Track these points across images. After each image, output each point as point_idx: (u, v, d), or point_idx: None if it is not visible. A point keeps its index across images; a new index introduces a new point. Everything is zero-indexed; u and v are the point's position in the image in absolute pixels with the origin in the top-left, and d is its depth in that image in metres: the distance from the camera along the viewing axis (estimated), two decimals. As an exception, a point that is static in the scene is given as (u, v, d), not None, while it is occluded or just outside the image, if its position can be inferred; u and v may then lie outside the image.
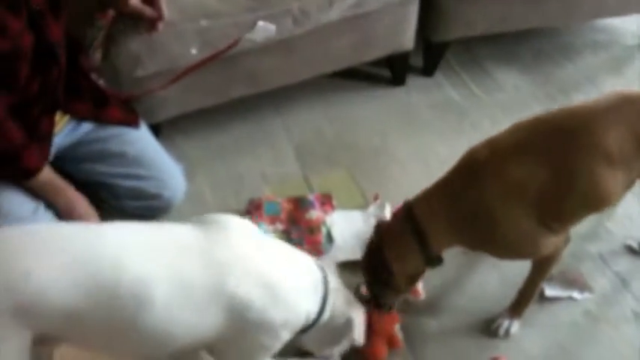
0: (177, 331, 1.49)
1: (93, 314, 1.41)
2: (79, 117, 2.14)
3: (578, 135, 1.81)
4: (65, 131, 2.11)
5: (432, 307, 2.19)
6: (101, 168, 2.20)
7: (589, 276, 2.29)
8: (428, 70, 3.25)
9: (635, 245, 2.39)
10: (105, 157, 2.19)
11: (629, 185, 1.93)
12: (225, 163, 2.74)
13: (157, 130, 2.60)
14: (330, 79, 3.06)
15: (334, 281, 1.79)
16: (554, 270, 2.23)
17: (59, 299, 1.36)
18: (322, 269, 1.76)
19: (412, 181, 2.54)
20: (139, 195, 2.23)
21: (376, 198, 2.51)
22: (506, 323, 2.11)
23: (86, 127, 2.17)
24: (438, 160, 2.45)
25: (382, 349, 2.01)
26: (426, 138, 2.61)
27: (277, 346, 1.66)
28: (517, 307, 2.11)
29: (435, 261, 1.91)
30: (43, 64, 1.91)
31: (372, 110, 3.04)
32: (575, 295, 2.22)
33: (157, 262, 1.47)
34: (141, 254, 1.46)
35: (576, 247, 2.38)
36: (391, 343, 2.03)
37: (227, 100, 2.77)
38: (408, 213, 1.88)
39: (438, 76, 3.23)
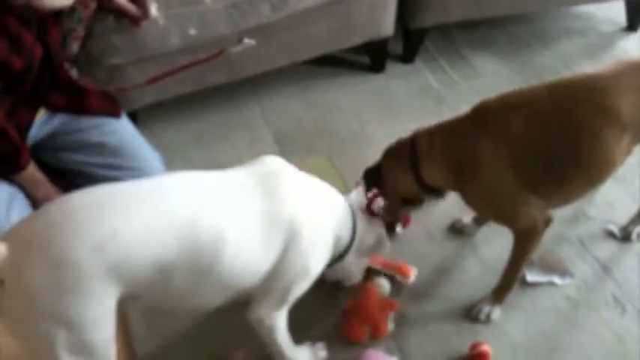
0: (247, 269, 1.60)
1: (177, 264, 1.46)
2: (57, 109, 2.10)
3: (590, 99, 1.83)
4: (39, 122, 2.07)
5: (414, 293, 2.18)
6: (80, 158, 2.17)
7: (570, 261, 2.30)
8: (407, 57, 3.24)
9: (615, 230, 2.40)
10: (84, 147, 2.16)
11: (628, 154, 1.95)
12: (203, 151, 2.71)
13: (133, 117, 2.56)
14: (309, 66, 3.04)
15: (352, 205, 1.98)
16: (535, 256, 2.25)
17: (145, 253, 1.41)
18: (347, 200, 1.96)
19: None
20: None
21: (358, 184, 2.50)
22: (486, 308, 2.11)
23: (61, 116, 2.12)
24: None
25: (360, 332, 2.01)
26: (405, 124, 2.58)
27: (306, 285, 1.76)
28: (498, 293, 2.11)
29: (430, 191, 2.02)
30: (42, 68, 1.91)
31: (351, 97, 3.03)
32: (556, 280, 2.23)
33: (224, 202, 1.58)
34: (210, 198, 1.57)
35: (557, 232, 2.39)
36: (376, 330, 2.03)
37: (204, 88, 2.74)
38: (411, 138, 2.00)
39: (417, 62, 3.23)
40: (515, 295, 2.16)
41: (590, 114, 1.83)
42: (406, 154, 1.99)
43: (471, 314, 2.12)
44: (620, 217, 2.42)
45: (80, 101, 2.13)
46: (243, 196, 1.62)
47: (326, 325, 2.02)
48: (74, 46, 2.30)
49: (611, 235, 2.39)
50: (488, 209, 2.03)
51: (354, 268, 2.04)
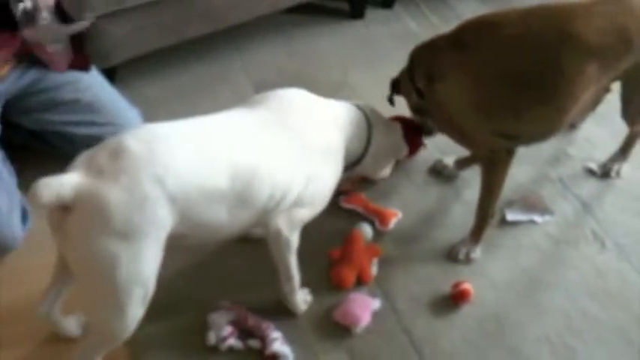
0: (276, 196, 1.75)
1: (228, 190, 1.63)
2: (21, 60, 2.05)
3: (554, 25, 1.89)
4: (10, 79, 2.04)
5: (397, 236, 2.22)
6: (54, 117, 2.15)
7: (550, 200, 2.34)
8: (387, 2, 3.21)
9: (594, 168, 2.42)
10: (57, 105, 2.14)
11: (599, 92, 2.01)
12: (185, 104, 2.70)
13: (112, 73, 2.55)
14: (289, 14, 3.02)
15: (371, 114, 2.14)
16: (516, 195, 2.28)
17: (195, 182, 1.57)
18: (361, 108, 2.12)
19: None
20: (96, 141, 2.17)
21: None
22: (465, 249, 2.15)
23: (33, 74, 2.09)
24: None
25: (350, 278, 2.04)
26: (386, 69, 2.58)
27: (322, 201, 1.94)
28: (475, 232, 2.14)
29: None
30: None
31: (332, 44, 3.01)
32: (536, 218, 2.26)
33: (254, 139, 1.75)
34: (244, 137, 1.74)
35: (537, 172, 2.42)
36: (362, 276, 2.06)
37: (183, 40, 2.72)
38: (413, 49, 2.13)
39: (397, 8, 3.21)
40: (495, 234, 2.20)
41: (551, 40, 1.88)
42: (408, 64, 2.15)
43: (450, 255, 2.16)
44: (600, 155, 2.45)
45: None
46: (267, 132, 1.78)
47: (311, 272, 2.04)
48: None
49: (590, 172, 2.42)
50: (449, 129, 2.11)
51: (376, 168, 2.24)
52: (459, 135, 2.08)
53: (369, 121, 2.10)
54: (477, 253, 2.15)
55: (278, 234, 1.82)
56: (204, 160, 1.62)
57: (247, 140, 1.74)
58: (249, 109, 1.86)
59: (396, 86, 2.26)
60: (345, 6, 3.15)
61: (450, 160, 2.39)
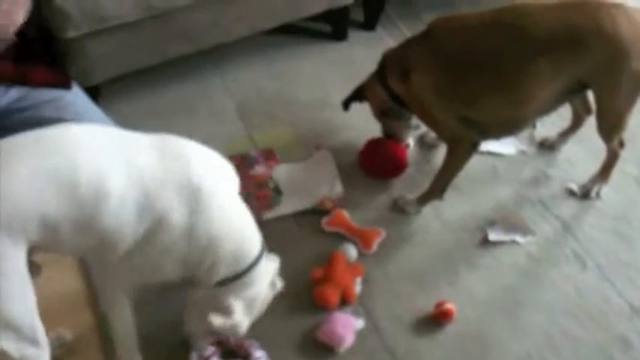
0: (126, 231, 1.52)
1: (62, 216, 1.42)
2: (1, 78, 2.04)
3: (513, 21, 2.06)
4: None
5: (379, 256, 2.21)
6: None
7: (531, 220, 2.35)
8: (369, 24, 3.24)
9: (575, 188, 2.44)
10: (40, 123, 2.06)
11: (553, 92, 2.10)
12: (166, 124, 2.67)
13: (95, 93, 2.53)
14: (271, 36, 3.02)
15: (270, 264, 1.81)
16: (497, 215, 2.30)
17: (32, 205, 1.38)
18: (263, 246, 1.77)
19: (356, 131, 2.61)
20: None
21: (318, 148, 2.53)
22: (410, 204, 2.34)
23: (14, 93, 2.07)
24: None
25: (334, 298, 2.04)
26: (368, 90, 2.62)
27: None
28: (422, 198, 2.32)
29: (396, 100, 2.29)
30: None
31: (314, 66, 3.02)
32: (518, 238, 2.27)
33: (111, 157, 1.50)
34: (96, 150, 1.50)
35: (518, 193, 2.44)
36: (346, 295, 2.06)
37: (165, 60, 2.71)
38: (383, 53, 2.32)
39: (379, 29, 3.23)
40: (477, 253, 2.22)
41: (507, 34, 2.07)
42: (378, 66, 2.32)
43: (396, 204, 2.36)
44: (580, 176, 2.47)
45: (28, 69, 2.06)
46: (138, 155, 1.55)
47: (294, 293, 2.04)
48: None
49: (571, 193, 2.44)
50: (419, 113, 2.28)
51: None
52: (430, 121, 2.26)
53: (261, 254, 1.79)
54: (416, 210, 2.34)
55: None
56: (32, 179, 1.40)
57: (98, 156, 1.50)
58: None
59: (360, 93, 2.43)
60: (328, 27, 3.17)
61: (412, 196, 2.37)
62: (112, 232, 1.50)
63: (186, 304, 1.79)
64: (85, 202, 1.44)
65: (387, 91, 2.29)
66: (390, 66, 2.27)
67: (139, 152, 1.55)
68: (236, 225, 1.69)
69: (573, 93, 2.20)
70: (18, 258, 1.40)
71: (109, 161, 1.49)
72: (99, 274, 1.73)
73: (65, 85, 2.15)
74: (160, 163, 1.55)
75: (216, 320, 1.70)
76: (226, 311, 1.71)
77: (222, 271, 1.68)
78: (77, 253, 1.64)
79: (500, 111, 2.14)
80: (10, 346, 1.39)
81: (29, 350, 1.43)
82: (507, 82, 2.07)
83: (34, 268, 1.53)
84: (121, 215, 1.49)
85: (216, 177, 1.66)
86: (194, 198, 1.57)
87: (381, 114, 2.41)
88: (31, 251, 1.46)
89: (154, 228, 1.54)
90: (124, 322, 1.75)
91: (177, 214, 1.55)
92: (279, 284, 1.87)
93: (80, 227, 1.46)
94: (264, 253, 1.77)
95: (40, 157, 1.43)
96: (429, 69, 2.13)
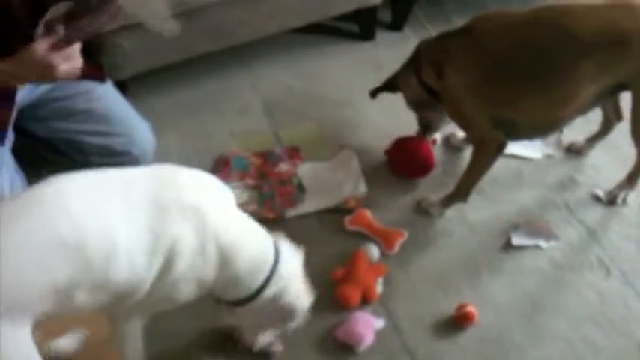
0: (141, 276, 1.48)
1: (72, 281, 1.38)
2: None
3: (555, 22, 2.03)
4: (26, 88, 2.05)
5: (401, 256, 2.22)
6: (67, 126, 2.16)
7: (555, 225, 2.33)
8: (396, 25, 3.23)
9: (601, 195, 2.42)
10: (71, 114, 2.15)
11: (592, 93, 2.07)
12: (193, 120, 2.72)
13: (123, 87, 2.56)
14: (299, 34, 3.03)
15: (291, 266, 1.74)
16: (521, 219, 2.28)
17: (40, 280, 1.34)
18: (277, 250, 1.71)
19: (380, 131, 2.62)
20: (107, 152, 2.19)
21: (342, 147, 2.54)
22: (434, 206, 2.33)
23: (48, 83, 2.11)
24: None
25: (355, 297, 2.04)
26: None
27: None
28: (446, 200, 2.31)
29: (430, 92, 2.25)
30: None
31: (341, 65, 3.03)
32: (541, 243, 2.26)
33: (109, 207, 1.44)
34: (95, 205, 1.43)
35: (543, 197, 2.42)
36: (367, 295, 2.06)
37: (194, 56, 2.74)
38: (418, 45, 2.30)
39: (406, 30, 3.22)
40: (500, 257, 2.21)
41: (550, 34, 2.03)
42: (410, 58, 2.31)
43: (420, 206, 2.36)
44: (607, 183, 2.45)
45: None
46: (128, 192, 1.49)
47: (315, 291, 2.05)
48: None
49: (596, 199, 2.42)
50: (452, 110, 2.24)
51: (251, 321, 1.84)
52: (462, 119, 2.23)
53: (277, 262, 1.72)
54: (440, 213, 2.33)
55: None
56: (34, 251, 1.34)
57: (101, 214, 1.43)
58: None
59: (392, 84, 2.41)
60: (356, 27, 3.18)
61: (435, 198, 2.36)
62: (128, 284, 1.47)
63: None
64: (95, 263, 1.39)
65: (421, 82, 2.27)
66: (425, 58, 2.24)
67: (131, 191, 1.49)
68: (245, 234, 1.65)
69: (610, 95, 2.19)
70: (21, 336, 1.36)
71: (109, 213, 1.43)
72: (113, 314, 1.66)
73: (100, 78, 2.18)
74: (155, 194, 1.50)
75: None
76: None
77: (247, 284, 1.67)
78: (93, 311, 1.55)
79: (539, 112, 2.10)
80: None
81: None
82: (548, 83, 2.04)
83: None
84: (134, 264, 1.45)
85: (210, 192, 1.62)
86: (197, 216, 1.52)
87: (415, 105, 2.40)
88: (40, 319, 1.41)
89: (169, 259, 1.49)
90: (135, 344, 1.72)
91: (187, 238, 1.50)
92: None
93: (95, 288, 1.43)
94: (281, 256, 1.72)
95: (40, 226, 1.36)
96: (467, 66, 2.10)
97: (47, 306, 1.38)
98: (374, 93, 2.48)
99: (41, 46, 1.60)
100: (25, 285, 1.32)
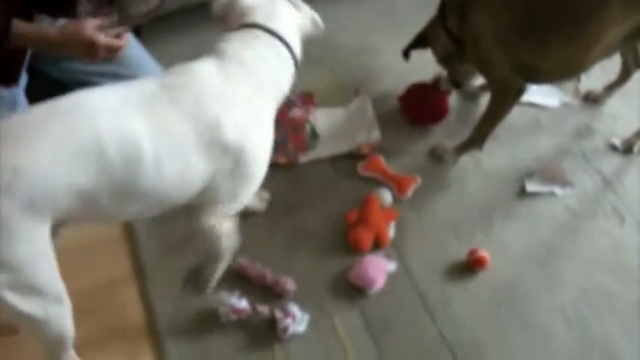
0: (175, 180, 1.52)
1: (94, 183, 1.41)
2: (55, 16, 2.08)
3: None
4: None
5: (414, 202, 2.21)
6: (80, 66, 2.14)
7: (571, 173, 2.32)
8: (414, -28, 3.17)
9: (617, 143, 2.40)
10: (100, 79, 2.14)
11: (618, 36, 2.00)
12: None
13: (137, 30, 2.53)
14: (314, -20, 2.98)
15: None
16: (537, 166, 2.26)
17: (58, 181, 1.36)
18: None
19: (395, 78, 2.58)
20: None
21: (356, 94, 2.51)
22: (447, 152, 2.32)
23: (61, 22, 2.10)
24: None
25: (368, 241, 2.04)
26: (410, 36, 2.57)
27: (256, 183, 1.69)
28: (462, 146, 2.31)
29: (455, 40, 2.20)
30: None
31: (357, 11, 2.99)
32: (556, 190, 2.24)
33: (134, 118, 1.46)
34: (117, 114, 1.45)
35: (559, 144, 2.40)
36: (380, 239, 2.06)
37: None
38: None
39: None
40: (514, 204, 2.20)
41: None
42: (438, 10, 2.25)
43: (433, 153, 2.34)
44: (623, 131, 2.42)
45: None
46: (159, 109, 1.50)
47: (328, 235, 2.05)
48: None
49: (613, 148, 2.39)
50: (473, 54, 2.18)
51: None
52: (482, 64, 2.18)
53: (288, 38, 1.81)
54: (452, 159, 2.32)
55: (210, 231, 1.71)
56: (55, 153, 1.36)
57: (120, 118, 1.46)
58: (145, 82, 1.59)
59: (422, 39, 2.34)
60: (373, -27, 3.12)
61: (450, 144, 2.35)
62: (161, 190, 1.51)
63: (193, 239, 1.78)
64: (116, 168, 1.42)
65: (448, 33, 2.22)
66: (450, 5, 2.19)
67: (154, 103, 1.50)
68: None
69: (634, 38, 2.13)
70: (42, 235, 1.39)
71: (130, 121, 1.45)
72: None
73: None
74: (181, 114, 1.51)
75: (224, 226, 1.71)
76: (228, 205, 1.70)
77: None
78: (126, 217, 1.62)
79: (564, 55, 2.05)
80: (37, 308, 1.43)
81: (53, 309, 1.46)
82: (577, 26, 1.97)
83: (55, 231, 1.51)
84: (162, 170, 1.48)
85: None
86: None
87: (444, 59, 2.34)
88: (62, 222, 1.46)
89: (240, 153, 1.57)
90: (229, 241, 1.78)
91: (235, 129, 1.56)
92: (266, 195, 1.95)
93: (119, 194, 1.45)
94: None
95: (59, 130, 1.39)
96: (490, 9, 2.04)
97: (70, 207, 1.40)
98: (406, 53, 2.41)
99: (90, 25, 1.71)
100: (46, 185, 1.35)
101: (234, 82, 1.61)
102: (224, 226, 1.72)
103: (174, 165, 1.50)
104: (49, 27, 1.77)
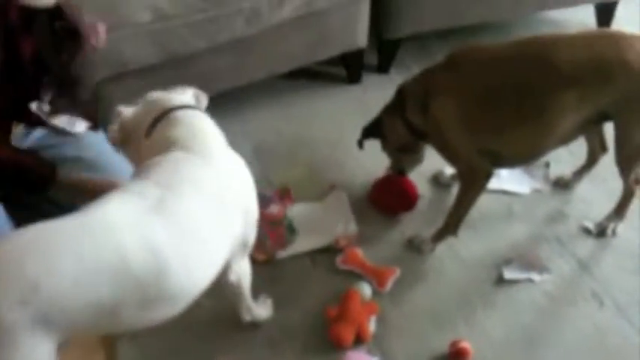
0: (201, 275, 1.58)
1: (120, 299, 1.41)
2: (32, 125, 2.13)
3: (538, 54, 2.06)
4: (18, 137, 2.09)
5: (394, 294, 2.21)
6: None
7: (547, 258, 2.34)
8: (383, 68, 3.28)
9: (590, 227, 2.43)
10: (60, 162, 2.17)
11: (582, 123, 2.10)
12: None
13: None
14: (287, 79, 3.08)
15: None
16: (513, 254, 2.29)
17: (78, 298, 1.36)
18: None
19: (367, 171, 2.63)
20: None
21: (333, 187, 2.55)
22: (425, 243, 2.33)
23: (39, 132, 2.15)
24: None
25: (349, 337, 2.02)
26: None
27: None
28: (437, 235, 2.32)
29: (415, 132, 2.27)
30: (13, 79, 1.93)
31: (329, 108, 3.06)
32: (534, 276, 2.26)
33: (150, 223, 1.48)
34: (136, 226, 1.46)
35: (534, 232, 2.43)
36: (361, 334, 2.05)
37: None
38: (401, 85, 2.30)
39: (392, 72, 3.27)
40: (493, 292, 2.20)
41: (531, 66, 2.05)
42: (394, 100, 2.31)
43: (411, 244, 2.36)
44: (596, 215, 2.46)
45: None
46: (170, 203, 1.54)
47: (309, 331, 2.04)
48: None
49: (586, 231, 2.43)
50: (438, 143, 2.25)
51: None
52: (448, 152, 2.23)
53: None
54: (431, 248, 2.34)
55: (237, 279, 1.84)
56: (79, 271, 1.36)
57: (143, 232, 1.46)
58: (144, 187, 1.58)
59: (375, 130, 2.41)
60: (342, 71, 3.22)
61: (427, 234, 2.37)
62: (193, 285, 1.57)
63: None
64: (144, 280, 1.43)
65: (406, 123, 2.28)
66: (409, 96, 2.25)
67: (167, 199, 1.53)
68: None
69: (594, 125, 2.21)
70: (47, 351, 1.37)
71: (151, 229, 1.47)
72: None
73: (92, 127, 2.22)
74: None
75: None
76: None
77: None
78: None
79: (523, 141, 2.13)
80: None
81: None
82: (532, 113, 2.06)
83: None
84: (190, 271, 1.53)
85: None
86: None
87: (398, 149, 2.41)
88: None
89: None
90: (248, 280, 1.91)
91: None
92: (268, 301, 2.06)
93: (149, 301, 1.47)
94: None
95: (82, 247, 1.39)
96: (452, 97, 2.11)
97: (88, 322, 1.41)
98: (360, 143, 2.48)
99: None
100: (65, 304, 1.34)
101: (210, 158, 1.77)
102: (243, 268, 1.85)
103: (203, 258, 1.58)
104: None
